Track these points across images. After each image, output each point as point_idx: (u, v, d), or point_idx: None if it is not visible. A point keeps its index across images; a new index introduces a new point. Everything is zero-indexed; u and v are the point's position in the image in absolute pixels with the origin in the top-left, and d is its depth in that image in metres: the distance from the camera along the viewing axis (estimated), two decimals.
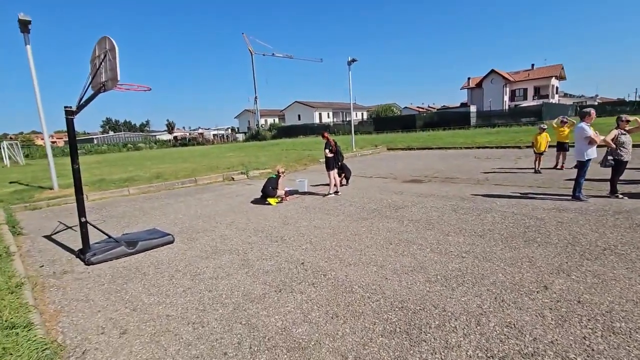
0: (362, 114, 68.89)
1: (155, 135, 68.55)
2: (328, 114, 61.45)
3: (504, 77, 49.85)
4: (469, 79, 54.60)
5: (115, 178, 11.85)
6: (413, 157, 15.19)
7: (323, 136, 7.88)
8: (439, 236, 4.65)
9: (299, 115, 60.16)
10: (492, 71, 50.08)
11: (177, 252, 4.74)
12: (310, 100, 63.44)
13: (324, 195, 7.92)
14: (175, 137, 56.99)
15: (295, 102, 61.15)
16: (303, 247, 4.58)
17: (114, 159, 25.44)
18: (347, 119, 56.79)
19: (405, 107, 73.02)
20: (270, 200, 7.30)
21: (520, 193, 6.84)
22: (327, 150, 7.70)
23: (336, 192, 7.89)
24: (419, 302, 3.14)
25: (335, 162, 7.80)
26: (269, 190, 7.29)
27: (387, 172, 11.02)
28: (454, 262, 3.80)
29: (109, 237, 4.90)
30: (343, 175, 8.91)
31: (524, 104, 46.04)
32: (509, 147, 15.55)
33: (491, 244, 4.26)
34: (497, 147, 15.76)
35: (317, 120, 57.24)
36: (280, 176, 7.60)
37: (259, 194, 8.14)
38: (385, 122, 39.31)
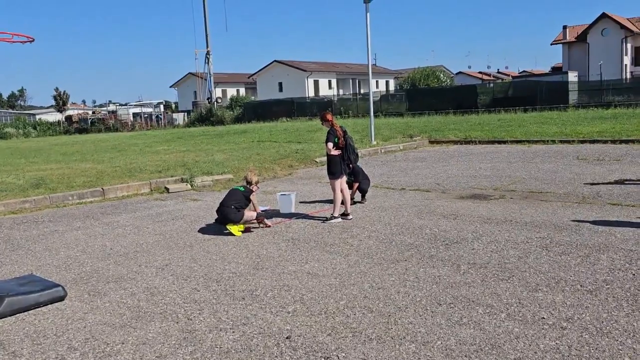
0: (387, 82, 69.75)
1: (35, 115, 68.63)
2: (329, 82, 62.06)
3: (622, 26, 50.69)
4: (565, 28, 55.56)
5: None
6: (474, 156, 15.31)
7: (324, 120, 7.90)
8: (520, 292, 4.64)
9: (279, 84, 60.68)
10: (604, 16, 50.99)
11: (71, 316, 4.69)
12: (300, 59, 64.06)
13: (325, 219, 7.93)
14: (69, 118, 57.24)
15: (275, 61, 61.75)
16: (289, 310, 4.56)
17: None
18: (362, 91, 57.25)
19: (460, 73, 74.17)
20: (232, 227, 7.29)
21: None
22: (330, 145, 7.71)
23: (344, 215, 7.92)
24: None
25: (343, 164, 7.81)
26: (230, 211, 7.29)
27: (431, 182, 11.09)
28: (548, 336, 3.78)
29: None
30: (356, 186, 8.96)
31: None
32: (634, 141, 15.73)
33: (610, 305, 4.25)
34: (613, 142, 15.99)
35: (310, 92, 57.84)
36: (252, 190, 7.61)
37: (211, 217, 8.13)
38: (425, 96, 39.70)
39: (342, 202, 7.92)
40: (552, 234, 6.47)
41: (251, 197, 7.55)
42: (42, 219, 9.25)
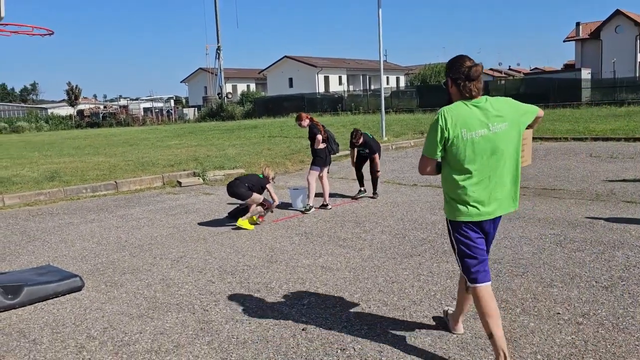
0: (398, 78, 69.53)
1: (47, 109, 69.17)
2: (340, 78, 61.99)
3: (637, 23, 50.07)
4: (578, 25, 55.02)
5: None
6: None
7: (301, 119, 8.37)
8: (535, 287, 4.65)
9: (290, 80, 60.71)
10: (618, 12, 50.41)
11: (88, 306, 4.76)
12: (310, 55, 64.03)
13: (304, 209, 8.33)
14: (80, 112, 57.64)
15: (285, 57, 61.76)
16: (304, 302, 4.60)
17: None
18: (373, 87, 57.11)
19: None
20: (243, 223, 7.30)
21: None
22: (319, 137, 8.20)
23: (324, 206, 8.49)
24: None
25: (328, 156, 8.44)
26: (241, 185, 7.41)
27: None
28: (563, 331, 3.78)
29: None
30: (377, 156, 9.12)
31: None
32: None
33: (626, 301, 4.25)
34: (627, 139, 15.85)
35: (320, 88, 57.77)
36: (269, 181, 7.78)
37: (224, 211, 8.19)
38: (435, 92, 39.49)
39: (326, 195, 8.51)
40: (566, 230, 6.45)
41: (267, 186, 7.68)
42: (57, 211, 9.36)
